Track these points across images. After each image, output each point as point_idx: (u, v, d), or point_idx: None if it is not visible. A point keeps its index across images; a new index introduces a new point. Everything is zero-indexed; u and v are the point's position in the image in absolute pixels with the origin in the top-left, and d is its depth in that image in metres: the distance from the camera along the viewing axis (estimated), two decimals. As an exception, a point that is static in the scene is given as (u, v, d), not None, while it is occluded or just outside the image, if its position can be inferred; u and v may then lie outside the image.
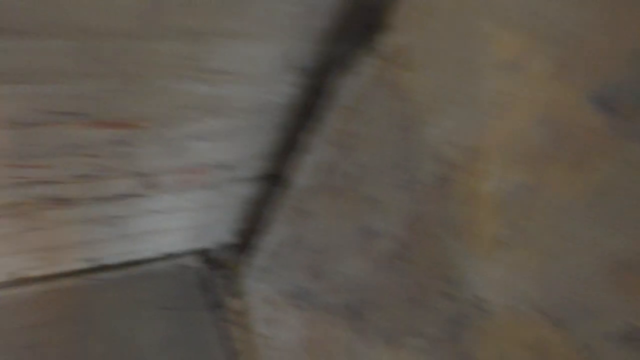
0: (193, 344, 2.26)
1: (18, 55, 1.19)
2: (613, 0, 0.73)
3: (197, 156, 1.82)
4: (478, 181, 0.92)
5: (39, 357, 2.10)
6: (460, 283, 0.95)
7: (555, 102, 0.80)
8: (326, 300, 1.44)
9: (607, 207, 0.72)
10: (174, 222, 2.21)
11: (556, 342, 0.79)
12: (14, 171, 1.56)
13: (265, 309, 1.91)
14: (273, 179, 2.11)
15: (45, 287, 2.27)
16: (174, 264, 2.46)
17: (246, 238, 2.40)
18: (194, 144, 1.75)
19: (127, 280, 2.41)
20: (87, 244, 2.16)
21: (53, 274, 2.28)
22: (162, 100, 1.53)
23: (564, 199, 0.77)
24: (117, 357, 2.22)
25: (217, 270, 2.40)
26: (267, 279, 1.88)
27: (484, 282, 0.90)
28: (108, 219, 2.02)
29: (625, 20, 0.72)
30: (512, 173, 0.86)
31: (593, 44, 0.75)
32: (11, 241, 1.91)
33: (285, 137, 1.90)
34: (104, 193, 1.86)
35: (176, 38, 1.33)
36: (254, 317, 2.04)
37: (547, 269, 0.80)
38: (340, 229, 1.35)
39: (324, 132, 1.45)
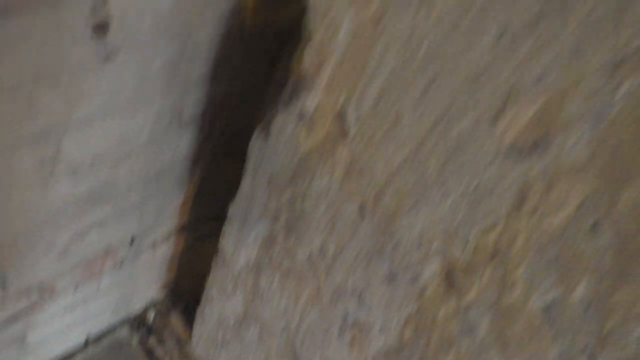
0: None
1: None
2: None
3: (91, 248, 1.45)
4: (503, 290, 0.68)
5: None
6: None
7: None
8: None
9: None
10: (91, 308, 1.84)
11: None
12: None
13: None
14: (191, 228, 1.78)
15: None
16: (106, 344, 2.09)
17: (179, 293, 2.07)
18: (83, 239, 1.37)
19: (56, 381, 2.02)
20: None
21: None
22: (27, 216, 1.14)
23: None
24: None
25: (156, 335, 2.07)
26: (225, 349, 1.60)
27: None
28: (5, 343, 1.62)
29: None
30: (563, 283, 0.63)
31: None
32: None
33: (196, 184, 1.57)
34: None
35: (20, 145, 0.94)
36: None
37: None
38: (313, 315, 1.08)
39: (249, 202, 1.14)
